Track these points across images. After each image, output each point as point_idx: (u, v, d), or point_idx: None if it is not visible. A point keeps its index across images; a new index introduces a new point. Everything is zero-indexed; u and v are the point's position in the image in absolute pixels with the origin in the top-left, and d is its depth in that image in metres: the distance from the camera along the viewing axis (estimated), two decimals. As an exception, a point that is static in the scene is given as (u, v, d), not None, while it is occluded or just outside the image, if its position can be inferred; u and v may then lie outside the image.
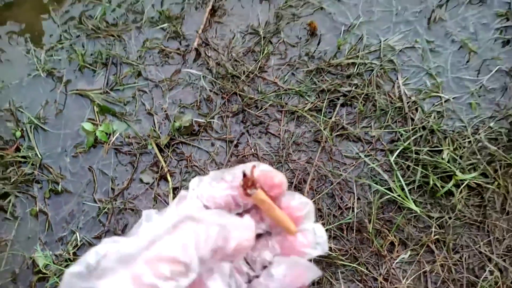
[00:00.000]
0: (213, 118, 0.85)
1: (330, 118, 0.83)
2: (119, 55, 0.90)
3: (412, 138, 0.79)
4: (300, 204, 0.26)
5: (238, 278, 0.25)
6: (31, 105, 0.89)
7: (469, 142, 0.79)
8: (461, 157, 0.77)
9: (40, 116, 0.88)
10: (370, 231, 0.76)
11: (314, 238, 0.26)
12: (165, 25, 0.91)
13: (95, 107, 0.87)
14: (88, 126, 0.84)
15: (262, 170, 0.26)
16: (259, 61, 0.87)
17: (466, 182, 0.76)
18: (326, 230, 0.77)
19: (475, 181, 0.76)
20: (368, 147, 0.82)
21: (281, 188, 0.26)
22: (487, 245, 0.75)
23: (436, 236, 0.75)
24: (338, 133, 0.82)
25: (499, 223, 0.76)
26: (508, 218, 0.76)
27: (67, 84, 0.89)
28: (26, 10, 0.94)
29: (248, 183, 0.25)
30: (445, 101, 0.82)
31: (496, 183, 0.76)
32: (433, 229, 0.75)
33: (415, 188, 0.77)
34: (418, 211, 0.75)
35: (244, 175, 0.25)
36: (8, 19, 0.93)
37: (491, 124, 0.80)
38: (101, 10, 0.92)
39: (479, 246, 0.75)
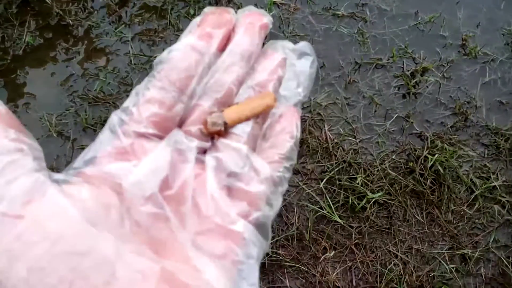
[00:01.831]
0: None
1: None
2: (114, 117, 1.17)
3: (336, 169, 1.07)
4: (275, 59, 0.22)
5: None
6: (46, 159, 1.13)
7: (377, 170, 1.07)
8: (371, 182, 1.05)
9: (53, 166, 1.13)
10: (308, 239, 1.01)
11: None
12: (149, 93, 1.19)
13: (96, 158, 1.12)
14: (91, 173, 1.09)
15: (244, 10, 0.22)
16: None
17: (375, 200, 1.03)
18: (276, 241, 1.02)
19: (382, 199, 1.04)
20: (305, 177, 1.09)
21: (267, 28, 0.22)
22: (394, 245, 1.02)
23: (356, 241, 1.02)
24: (283, 168, 1.10)
25: (402, 229, 1.03)
26: (408, 225, 1.04)
27: (74, 141, 1.15)
28: (39, 86, 1.20)
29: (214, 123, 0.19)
30: (359, 141, 1.11)
31: (397, 199, 1.04)
32: (354, 236, 1.02)
33: (340, 206, 1.04)
34: (342, 223, 1.02)
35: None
36: (25, 94, 1.19)
37: (393, 157, 1.09)
38: (99, 84, 1.19)
39: (388, 246, 1.02)
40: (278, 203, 0.20)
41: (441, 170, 1.03)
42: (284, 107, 0.22)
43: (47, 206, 0.16)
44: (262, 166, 0.20)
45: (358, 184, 1.04)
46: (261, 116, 0.21)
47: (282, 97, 0.22)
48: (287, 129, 0.21)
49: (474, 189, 1.04)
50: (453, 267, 0.99)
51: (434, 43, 1.22)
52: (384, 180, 1.05)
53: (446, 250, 1.01)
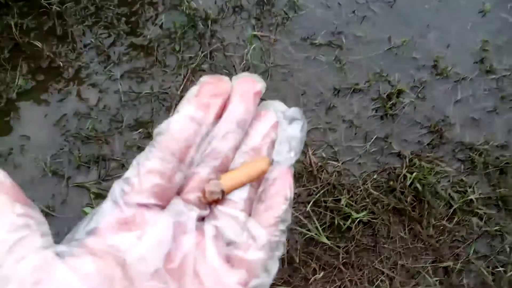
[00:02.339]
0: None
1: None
2: (107, 154, 1.22)
3: (321, 192, 1.13)
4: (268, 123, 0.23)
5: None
6: (42, 197, 1.18)
7: (360, 190, 1.12)
8: (355, 202, 1.11)
9: (49, 205, 1.17)
10: (298, 262, 1.06)
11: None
12: (140, 129, 1.24)
13: (91, 195, 1.17)
14: (87, 210, 1.13)
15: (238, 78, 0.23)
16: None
17: (360, 219, 1.08)
18: (267, 265, 1.07)
19: (366, 218, 1.09)
20: (293, 201, 1.14)
21: (260, 95, 0.23)
22: (380, 262, 1.07)
23: (344, 260, 1.06)
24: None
25: (386, 246, 1.08)
26: (392, 242, 1.09)
27: (69, 179, 1.19)
28: (33, 127, 1.25)
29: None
30: (342, 163, 1.17)
31: (380, 217, 1.09)
32: (341, 255, 1.07)
33: (326, 227, 1.09)
34: (330, 244, 1.07)
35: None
36: (19, 136, 1.24)
37: (375, 176, 1.15)
38: (91, 122, 1.24)
39: (374, 264, 1.06)
40: (275, 268, 0.21)
41: (420, 187, 1.09)
42: (277, 170, 0.22)
43: (56, 286, 0.17)
44: (259, 233, 0.20)
45: (342, 205, 1.09)
46: (256, 180, 0.22)
47: (276, 162, 0.23)
48: (281, 192, 0.22)
49: (453, 203, 1.10)
50: (437, 280, 1.04)
51: (407, 66, 1.29)
52: (367, 200, 1.11)
53: (429, 263, 1.06)
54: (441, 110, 1.23)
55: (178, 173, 0.21)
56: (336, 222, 1.08)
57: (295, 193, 1.14)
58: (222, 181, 0.21)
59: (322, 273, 1.04)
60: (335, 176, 1.15)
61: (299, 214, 1.11)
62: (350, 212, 1.08)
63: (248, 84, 0.23)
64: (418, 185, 1.09)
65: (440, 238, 1.08)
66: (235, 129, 0.22)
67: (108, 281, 0.18)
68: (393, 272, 1.05)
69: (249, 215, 0.21)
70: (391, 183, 1.12)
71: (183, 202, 0.21)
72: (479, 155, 1.16)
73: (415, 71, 1.28)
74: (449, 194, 1.11)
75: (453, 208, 1.10)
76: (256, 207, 0.22)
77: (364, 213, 1.08)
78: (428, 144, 1.18)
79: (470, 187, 1.12)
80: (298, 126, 0.24)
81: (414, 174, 1.10)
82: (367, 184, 1.13)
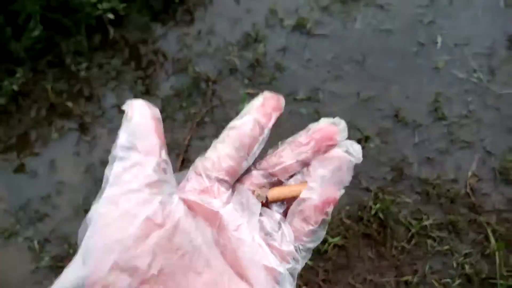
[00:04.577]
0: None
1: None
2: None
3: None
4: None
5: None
6: (76, 233, 1.43)
7: (335, 219, 1.38)
8: (331, 229, 1.36)
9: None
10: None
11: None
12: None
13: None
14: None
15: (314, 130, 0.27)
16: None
17: (335, 243, 1.33)
18: None
19: (340, 242, 1.34)
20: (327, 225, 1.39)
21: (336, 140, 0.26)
22: (352, 278, 1.30)
23: (323, 277, 1.30)
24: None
25: (357, 264, 1.32)
26: (362, 261, 1.33)
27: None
28: (68, 174, 1.52)
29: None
30: (320, 198, 1.43)
31: (352, 241, 1.34)
32: (320, 273, 1.31)
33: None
34: (311, 264, 1.31)
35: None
36: (56, 181, 1.51)
37: (347, 208, 1.40)
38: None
39: (348, 279, 1.30)
40: (302, 260, 0.26)
41: (384, 216, 1.34)
42: (321, 192, 0.26)
43: (180, 220, 0.22)
44: (289, 232, 0.25)
45: (321, 232, 1.34)
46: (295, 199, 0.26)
47: (311, 188, 0.26)
48: (313, 216, 0.26)
49: (411, 228, 1.35)
50: (399, 292, 1.27)
51: (373, 115, 1.57)
52: (341, 227, 1.36)
53: (392, 278, 1.29)
54: (402, 152, 1.49)
55: (244, 162, 0.26)
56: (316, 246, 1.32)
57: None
58: (269, 192, 0.26)
59: (304, 288, 1.28)
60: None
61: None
62: (326, 238, 1.33)
63: (328, 134, 0.27)
64: (381, 215, 1.34)
65: (401, 257, 1.32)
66: (297, 166, 0.27)
67: (209, 219, 0.24)
68: (363, 286, 1.29)
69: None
70: (360, 213, 1.37)
71: (251, 194, 0.26)
72: (433, 188, 1.42)
73: (380, 120, 1.56)
74: (408, 221, 1.36)
75: (411, 232, 1.34)
76: (291, 217, 0.26)
77: (338, 238, 1.33)
78: (390, 180, 1.44)
79: (425, 214, 1.37)
80: (343, 158, 0.26)
81: (378, 205, 1.35)
82: (341, 214, 1.38)
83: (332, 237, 1.33)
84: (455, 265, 1.30)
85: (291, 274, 0.25)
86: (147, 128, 0.23)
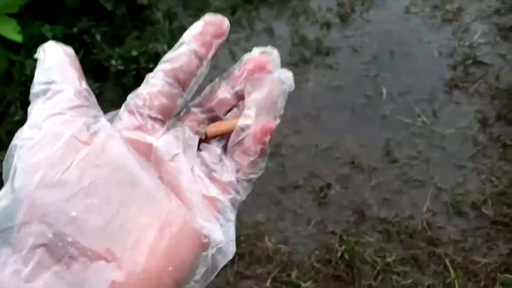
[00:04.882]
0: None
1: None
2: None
3: (277, 269, 1.47)
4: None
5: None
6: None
7: (306, 264, 1.47)
8: (303, 274, 1.45)
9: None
10: (264, 327, 1.37)
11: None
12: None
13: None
14: None
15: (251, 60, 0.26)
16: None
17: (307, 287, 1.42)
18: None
19: (312, 286, 1.42)
20: (256, 279, 1.47)
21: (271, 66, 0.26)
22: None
23: (299, 321, 1.38)
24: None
25: None
26: None
27: None
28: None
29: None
30: (292, 244, 1.53)
31: (323, 284, 1.43)
32: (296, 317, 1.38)
33: None
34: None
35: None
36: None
37: (316, 252, 1.50)
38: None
39: (323, 321, 1.38)
40: (243, 191, 0.26)
41: (349, 257, 1.45)
42: (256, 122, 0.26)
43: (109, 140, 0.22)
44: (231, 164, 0.26)
45: (293, 277, 1.43)
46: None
47: (247, 116, 0.26)
48: (253, 146, 0.26)
49: (376, 266, 1.45)
50: (371, 328, 1.35)
51: (332, 164, 1.71)
52: (312, 271, 1.45)
53: (364, 315, 1.38)
54: (361, 195, 1.63)
55: (180, 99, 0.25)
56: None
57: (257, 273, 1.48)
58: (208, 127, 0.26)
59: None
60: (287, 255, 1.50)
61: (262, 289, 1.45)
62: (299, 283, 1.42)
63: (261, 64, 0.26)
64: (347, 256, 1.45)
65: (369, 294, 1.41)
66: (232, 98, 0.27)
67: (144, 154, 0.23)
68: (337, 325, 1.37)
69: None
70: (328, 256, 1.47)
71: (188, 129, 0.26)
72: (392, 226, 1.54)
73: (338, 167, 1.70)
74: (373, 259, 1.47)
75: (377, 269, 1.45)
76: (233, 149, 0.26)
77: (309, 282, 1.42)
78: (353, 222, 1.56)
79: (388, 252, 1.48)
80: (277, 86, 0.26)
81: (344, 247, 1.46)
82: (311, 259, 1.48)
83: (304, 282, 1.43)
84: (419, 296, 1.40)
85: (232, 204, 0.26)
86: (62, 62, 0.23)
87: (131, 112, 0.25)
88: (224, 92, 0.27)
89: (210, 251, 0.23)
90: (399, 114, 1.84)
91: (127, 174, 0.21)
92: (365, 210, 1.58)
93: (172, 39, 1.93)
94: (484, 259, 1.46)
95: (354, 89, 1.91)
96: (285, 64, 1.99)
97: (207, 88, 0.28)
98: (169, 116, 0.25)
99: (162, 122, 0.25)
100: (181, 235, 0.21)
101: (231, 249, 0.24)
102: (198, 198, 0.24)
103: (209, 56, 0.26)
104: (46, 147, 0.20)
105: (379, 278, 1.44)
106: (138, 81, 1.75)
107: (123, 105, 0.25)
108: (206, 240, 0.23)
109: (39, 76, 0.22)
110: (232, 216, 0.25)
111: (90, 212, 0.20)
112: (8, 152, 0.21)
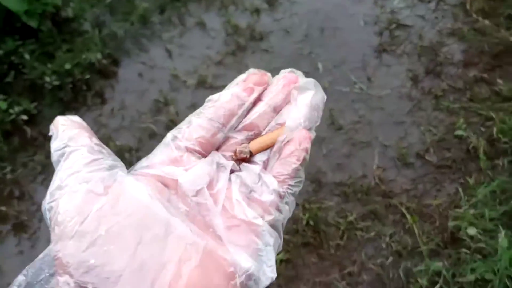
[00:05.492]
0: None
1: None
2: None
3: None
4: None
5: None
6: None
7: (276, 239, 1.53)
8: (274, 248, 1.50)
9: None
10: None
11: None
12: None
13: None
14: None
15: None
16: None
17: (281, 259, 1.47)
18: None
19: (285, 257, 1.48)
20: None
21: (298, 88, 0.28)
22: (303, 284, 1.45)
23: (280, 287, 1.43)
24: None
25: (304, 271, 1.47)
26: (308, 267, 1.48)
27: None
28: (15, 275, 1.53)
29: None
30: (258, 224, 1.58)
31: (295, 253, 1.49)
32: (273, 286, 1.43)
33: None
34: (264, 284, 1.44)
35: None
36: (6, 284, 1.52)
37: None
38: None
39: (299, 286, 1.44)
40: (286, 209, 0.26)
41: (314, 223, 1.52)
42: (295, 132, 0.26)
43: (124, 188, 0.22)
44: (271, 180, 0.25)
45: (266, 253, 1.48)
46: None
47: (287, 127, 0.27)
48: (294, 152, 0.26)
49: (340, 227, 1.53)
50: (345, 283, 1.43)
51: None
52: (283, 243, 1.51)
53: (337, 274, 1.45)
54: (315, 165, 1.70)
55: (220, 133, 0.26)
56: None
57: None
58: (250, 144, 0.26)
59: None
60: (256, 234, 1.55)
61: (238, 270, 1.48)
62: (272, 256, 1.47)
63: (292, 78, 0.28)
64: (312, 222, 1.52)
65: (338, 253, 1.49)
66: (271, 112, 0.27)
67: (165, 191, 0.24)
68: (314, 288, 1.43)
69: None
70: (294, 226, 1.53)
71: (221, 155, 0.26)
72: (348, 188, 1.63)
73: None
74: (336, 221, 1.54)
75: (341, 229, 1.52)
76: (272, 162, 0.26)
77: (282, 253, 1.48)
78: (312, 191, 1.63)
79: (348, 211, 1.57)
80: (309, 95, 0.27)
81: (307, 215, 1.53)
82: (279, 233, 1.54)
83: (277, 254, 1.48)
84: (384, 246, 1.49)
85: (274, 226, 0.26)
86: (71, 128, 0.25)
87: (167, 145, 0.26)
88: (261, 106, 0.28)
89: (239, 279, 0.22)
90: (337, 85, 1.93)
91: (143, 217, 0.22)
92: (321, 178, 1.66)
93: (104, 46, 1.91)
94: (435, 201, 1.58)
95: (291, 68, 1.97)
96: (222, 54, 2.04)
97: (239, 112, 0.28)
98: (208, 150, 0.26)
99: (200, 154, 0.26)
100: (203, 268, 0.22)
101: (269, 275, 0.24)
102: (223, 227, 0.24)
103: (250, 99, 0.27)
104: (65, 204, 0.22)
105: (345, 237, 1.52)
106: (76, 94, 1.74)
107: (162, 141, 0.27)
108: (231, 269, 0.22)
109: (55, 145, 0.24)
110: (270, 240, 0.25)
111: (108, 259, 0.20)
112: (44, 216, 0.24)
